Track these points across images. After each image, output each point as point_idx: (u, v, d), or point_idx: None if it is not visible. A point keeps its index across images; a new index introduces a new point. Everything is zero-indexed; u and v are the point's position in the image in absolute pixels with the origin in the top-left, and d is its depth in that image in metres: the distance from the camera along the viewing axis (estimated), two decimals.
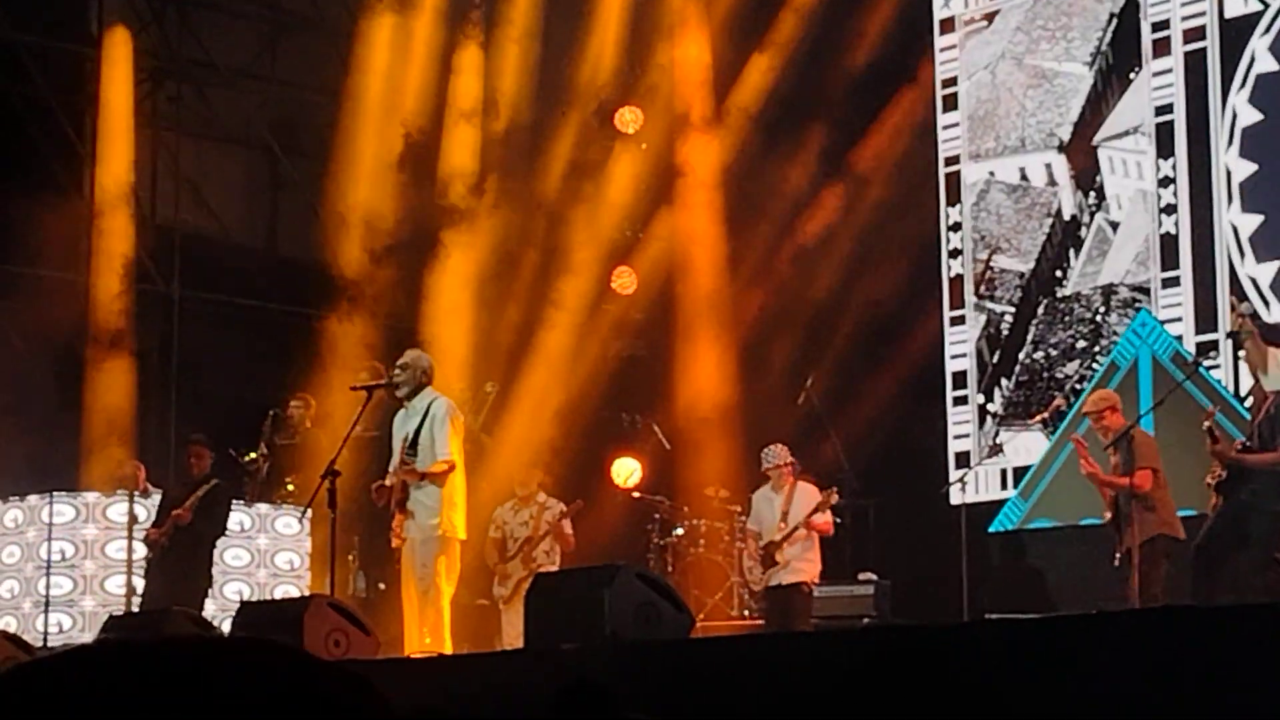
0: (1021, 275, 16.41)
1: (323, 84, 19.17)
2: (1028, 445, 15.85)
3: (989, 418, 16.30)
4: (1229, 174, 15.18)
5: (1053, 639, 7.93)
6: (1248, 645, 7.13)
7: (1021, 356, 16.28)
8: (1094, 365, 15.69)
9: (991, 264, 16.11)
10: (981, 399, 16.47)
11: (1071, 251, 16.06)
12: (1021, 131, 16.51)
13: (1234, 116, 15.16)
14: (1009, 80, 16.57)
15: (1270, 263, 14.82)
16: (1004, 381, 16.33)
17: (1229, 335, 12.52)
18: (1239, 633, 7.29)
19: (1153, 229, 15.64)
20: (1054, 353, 16.04)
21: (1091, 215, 15.95)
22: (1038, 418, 14.89)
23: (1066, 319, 16.02)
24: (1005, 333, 16.43)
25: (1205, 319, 15.13)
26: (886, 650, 8.54)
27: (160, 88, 18.19)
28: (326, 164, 19.27)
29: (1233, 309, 12.02)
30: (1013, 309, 16.41)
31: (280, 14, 19.12)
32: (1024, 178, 16.44)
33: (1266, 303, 14.81)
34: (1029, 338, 16.27)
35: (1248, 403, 14.31)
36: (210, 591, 14.43)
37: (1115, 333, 15.54)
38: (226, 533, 14.58)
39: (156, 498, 14.83)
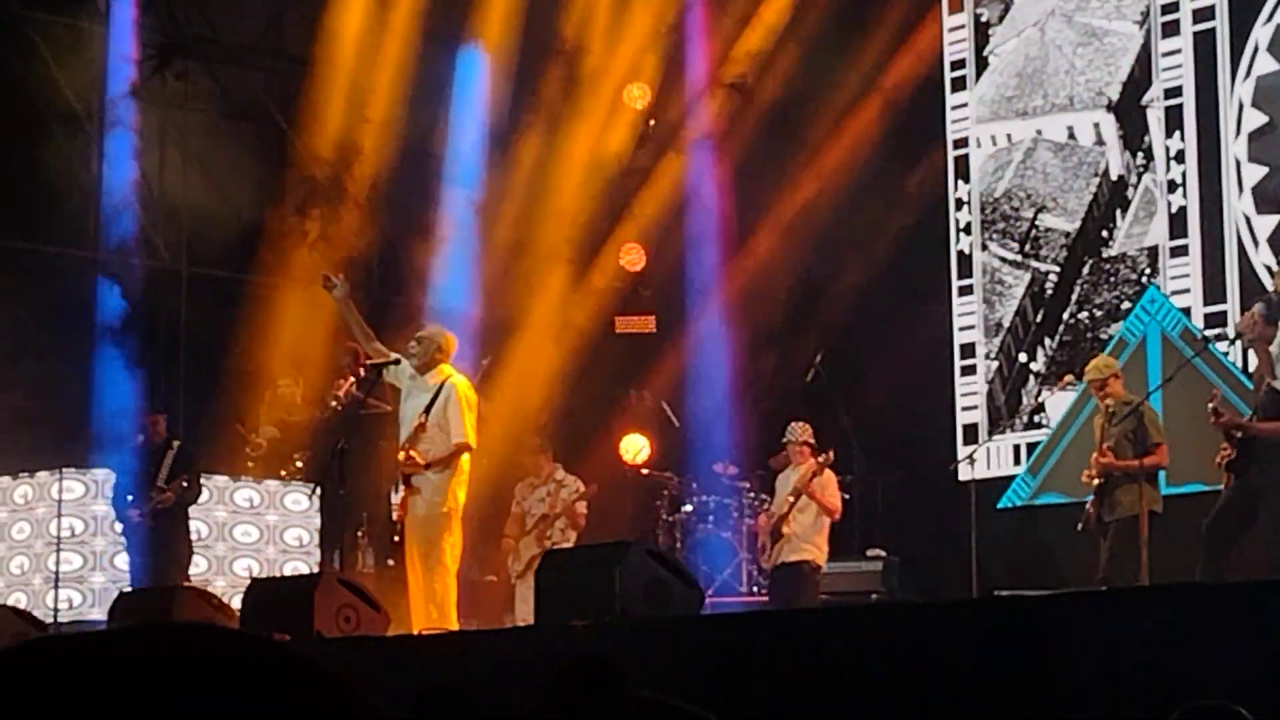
0: (1067, 234, 16.20)
1: (329, 59, 19.14)
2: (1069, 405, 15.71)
3: (1031, 377, 16.16)
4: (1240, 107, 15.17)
5: (1062, 615, 7.95)
6: (1255, 621, 7.15)
7: (1065, 316, 16.11)
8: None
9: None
10: (1024, 357, 16.32)
11: (1118, 212, 15.87)
12: (1070, 90, 16.33)
13: (1250, 61, 15.11)
14: (1058, 37, 16.39)
15: (1271, 215, 14.80)
16: (1047, 340, 16.19)
17: (1235, 337, 12.38)
18: (1247, 609, 7.31)
19: (1162, 205, 15.61)
20: (1098, 313, 15.86)
21: (1139, 176, 15.77)
22: (1046, 395, 14.88)
23: (1112, 279, 15.83)
24: (1049, 291, 16.25)
25: (1214, 290, 15.09)
26: (896, 627, 8.57)
27: (168, 65, 18.15)
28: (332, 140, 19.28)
29: (1244, 310, 11.93)
30: (1058, 268, 16.22)
31: None
32: (1071, 136, 16.29)
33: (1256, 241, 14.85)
34: (1074, 297, 16.09)
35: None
36: (204, 557, 14.35)
37: None
38: (200, 493, 14.52)
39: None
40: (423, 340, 12.27)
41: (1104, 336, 15.75)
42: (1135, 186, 15.79)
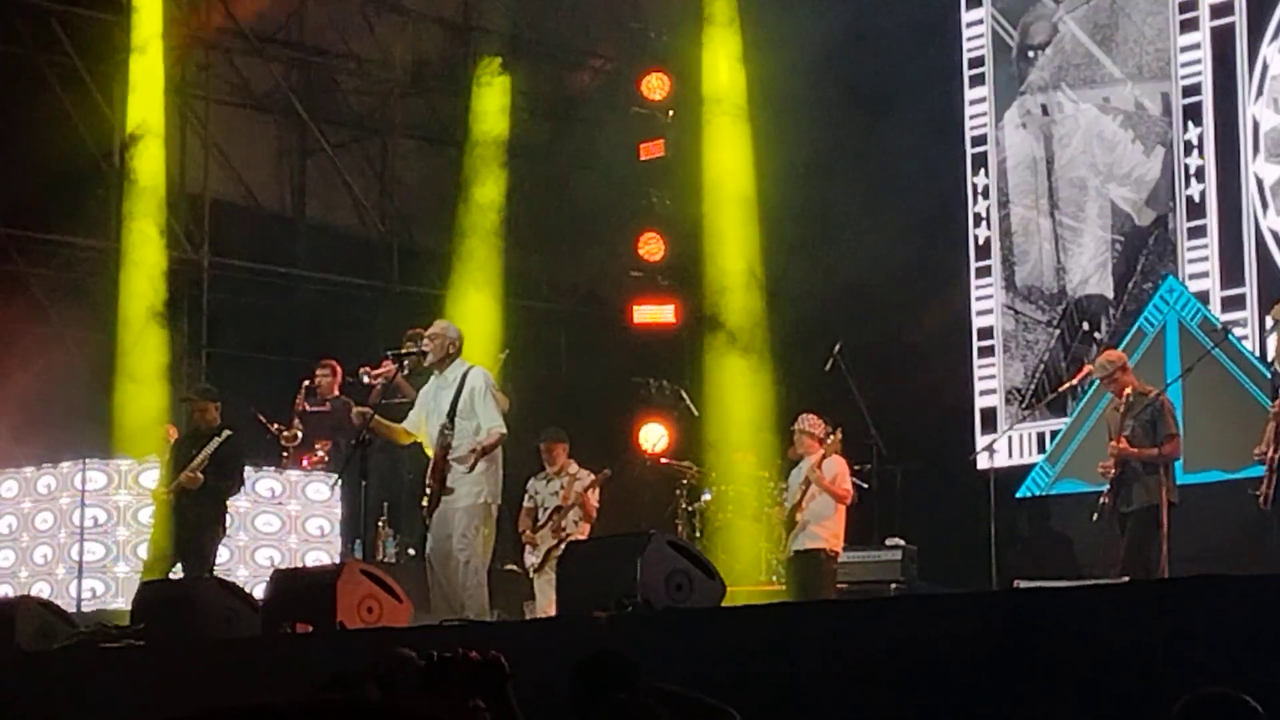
0: (1134, 204, 16.05)
1: (350, 50, 19.23)
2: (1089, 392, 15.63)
3: (1094, 345, 16.07)
4: (1255, 125, 15.13)
5: (1083, 607, 7.98)
6: (1276, 614, 7.17)
7: (1130, 286, 15.96)
8: None
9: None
10: (1086, 326, 16.25)
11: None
12: (1139, 59, 16.22)
13: (1264, 68, 15.09)
14: (1128, 5, 16.34)
15: None
16: (1110, 310, 16.16)
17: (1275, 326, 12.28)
18: (1268, 601, 7.33)
19: (1179, 192, 15.60)
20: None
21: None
22: (1065, 385, 14.88)
23: (1175, 252, 15.71)
24: (1113, 261, 16.12)
25: (1232, 273, 15.09)
26: (917, 619, 8.59)
27: (189, 55, 18.22)
28: (354, 130, 19.39)
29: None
30: (1122, 238, 16.08)
31: None
32: (1139, 106, 16.21)
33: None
34: (1138, 268, 15.93)
35: (1277, 366, 14.35)
36: (220, 538, 14.25)
37: None
38: (242, 487, 14.45)
39: None
40: (435, 338, 12.28)
41: None
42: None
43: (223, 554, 14.71)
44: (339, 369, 16.25)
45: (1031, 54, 16.82)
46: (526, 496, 14.86)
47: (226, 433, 14.12)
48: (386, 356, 15.19)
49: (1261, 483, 11.40)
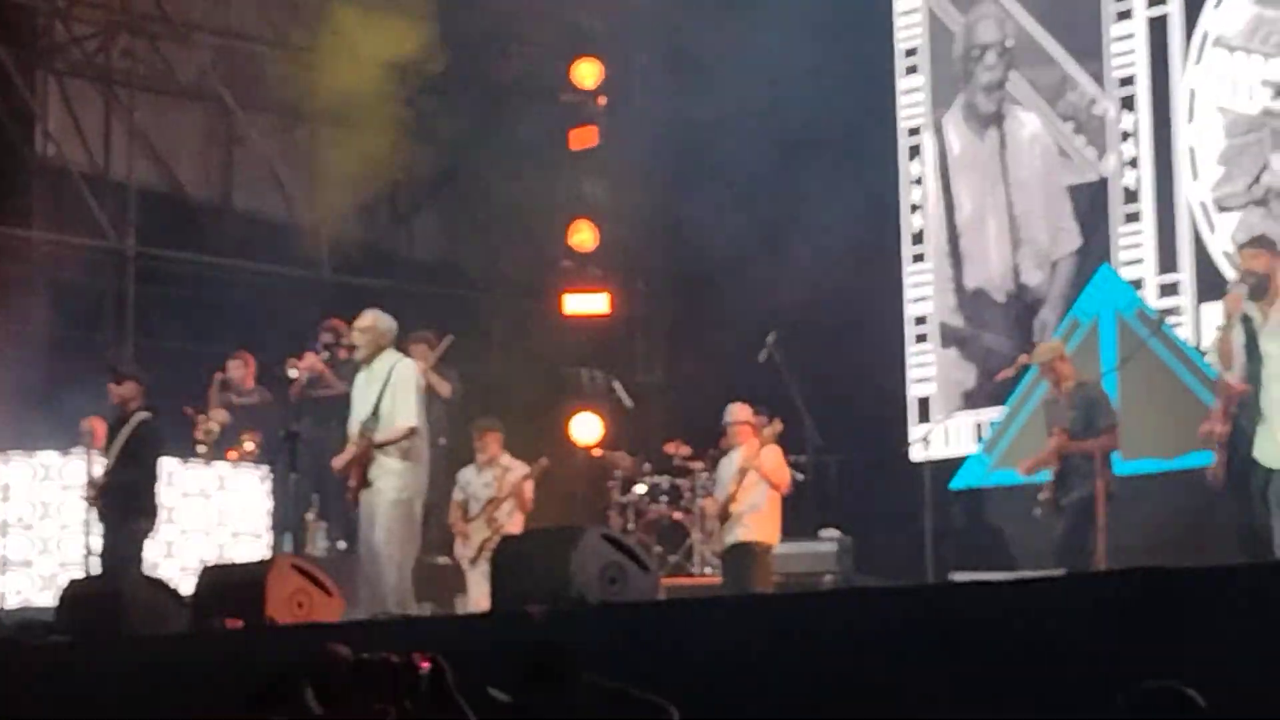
0: (1079, 199, 15.93)
1: (278, 37, 19.04)
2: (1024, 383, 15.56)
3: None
4: (1192, 95, 15.14)
5: (1020, 600, 7.92)
6: (1214, 606, 7.12)
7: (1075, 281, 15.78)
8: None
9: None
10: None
11: None
12: (1082, 47, 16.02)
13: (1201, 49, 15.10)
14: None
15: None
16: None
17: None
18: (1206, 593, 7.28)
19: (1115, 180, 15.60)
20: None
21: None
22: (1001, 375, 14.84)
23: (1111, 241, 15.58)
24: (1062, 257, 15.94)
25: (1167, 258, 15.10)
26: (853, 612, 8.53)
27: (114, 42, 17.99)
28: (282, 117, 19.18)
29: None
30: (1072, 232, 15.90)
31: None
32: (1085, 100, 16.04)
33: (1212, 226, 14.84)
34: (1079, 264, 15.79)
35: (1208, 358, 14.35)
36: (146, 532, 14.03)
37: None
38: (156, 474, 13.93)
39: None
40: (366, 331, 12.17)
41: None
42: None
43: (150, 549, 14.49)
44: (252, 360, 16.10)
45: (978, 52, 16.73)
46: (457, 488, 14.76)
47: (138, 416, 13.81)
48: (312, 349, 15.07)
49: (1212, 464, 11.37)
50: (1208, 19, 15.09)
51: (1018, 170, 16.41)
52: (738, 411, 14.27)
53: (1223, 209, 14.81)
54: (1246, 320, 11.21)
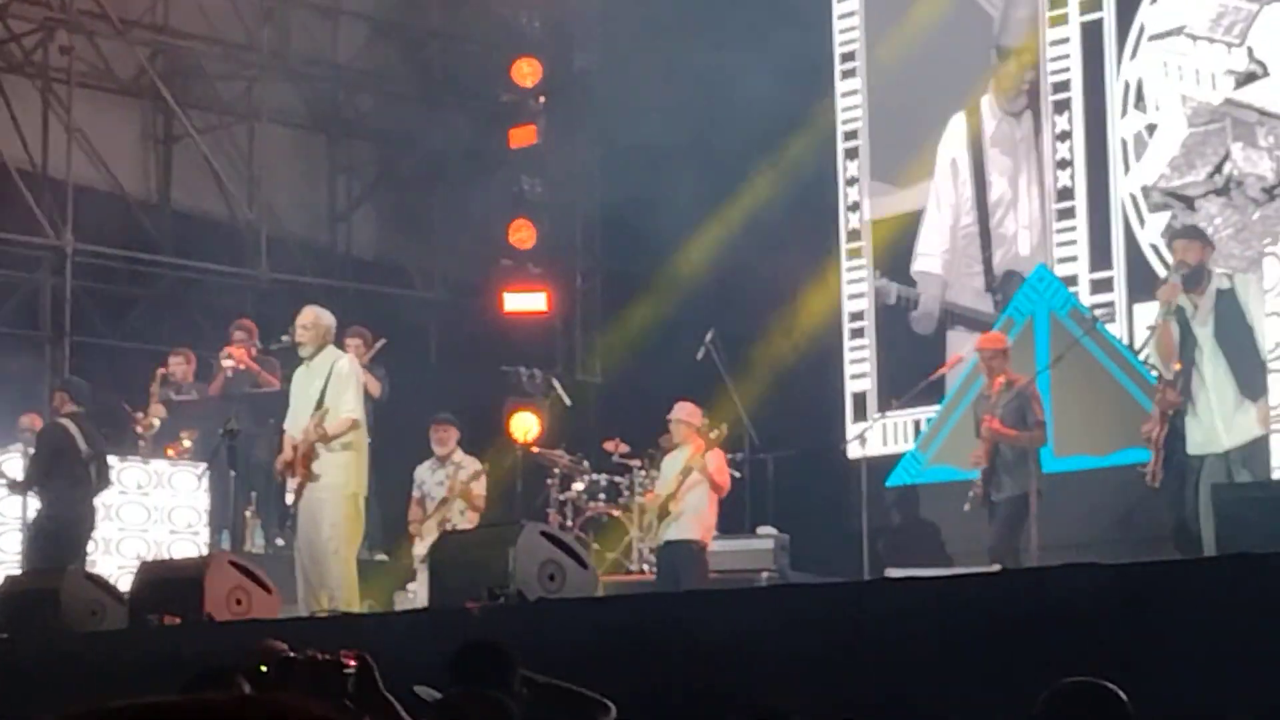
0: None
1: (216, 34, 19.01)
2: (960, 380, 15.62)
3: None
4: (1126, 88, 15.26)
5: (955, 596, 8.02)
6: (1143, 600, 7.22)
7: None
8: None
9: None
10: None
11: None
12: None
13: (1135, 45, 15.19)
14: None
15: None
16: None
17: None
18: (1134, 587, 7.39)
19: (1050, 184, 15.73)
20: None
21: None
22: (936, 373, 14.94)
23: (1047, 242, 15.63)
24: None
25: (1100, 254, 15.22)
26: (790, 608, 8.61)
27: (52, 38, 17.93)
28: (221, 116, 19.16)
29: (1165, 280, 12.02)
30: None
31: None
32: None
33: (1142, 221, 14.96)
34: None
35: (1142, 355, 14.50)
36: (96, 542, 14.15)
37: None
38: (42, 479, 14.00)
39: None
40: (309, 328, 12.16)
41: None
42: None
43: (88, 545, 14.45)
44: (193, 357, 16.10)
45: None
46: (414, 486, 14.73)
47: (40, 425, 14.16)
48: (254, 349, 15.12)
49: (1149, 463, 11.55)
50: (1145, 14, 15.22)
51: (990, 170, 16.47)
52: (685, 411, 14.25)
53: (1180, 198, 14.93)
54: (1179, 310, 11.43)
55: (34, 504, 14.18)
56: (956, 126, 16.74)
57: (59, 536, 13.66)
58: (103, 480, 13.97)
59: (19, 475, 14.26)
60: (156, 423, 15.70)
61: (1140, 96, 15.30)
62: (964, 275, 16.70)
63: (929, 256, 16.88)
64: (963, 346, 15.85)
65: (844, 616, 8.09)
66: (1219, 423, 11.33)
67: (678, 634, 8.38)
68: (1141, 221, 15.10)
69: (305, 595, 11.90)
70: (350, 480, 11.93)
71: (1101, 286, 15.17)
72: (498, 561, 9.63)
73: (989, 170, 16.58)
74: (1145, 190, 15.15)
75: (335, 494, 11.88)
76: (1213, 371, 11.36)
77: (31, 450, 14.08)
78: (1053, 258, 15.58)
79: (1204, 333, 11.39)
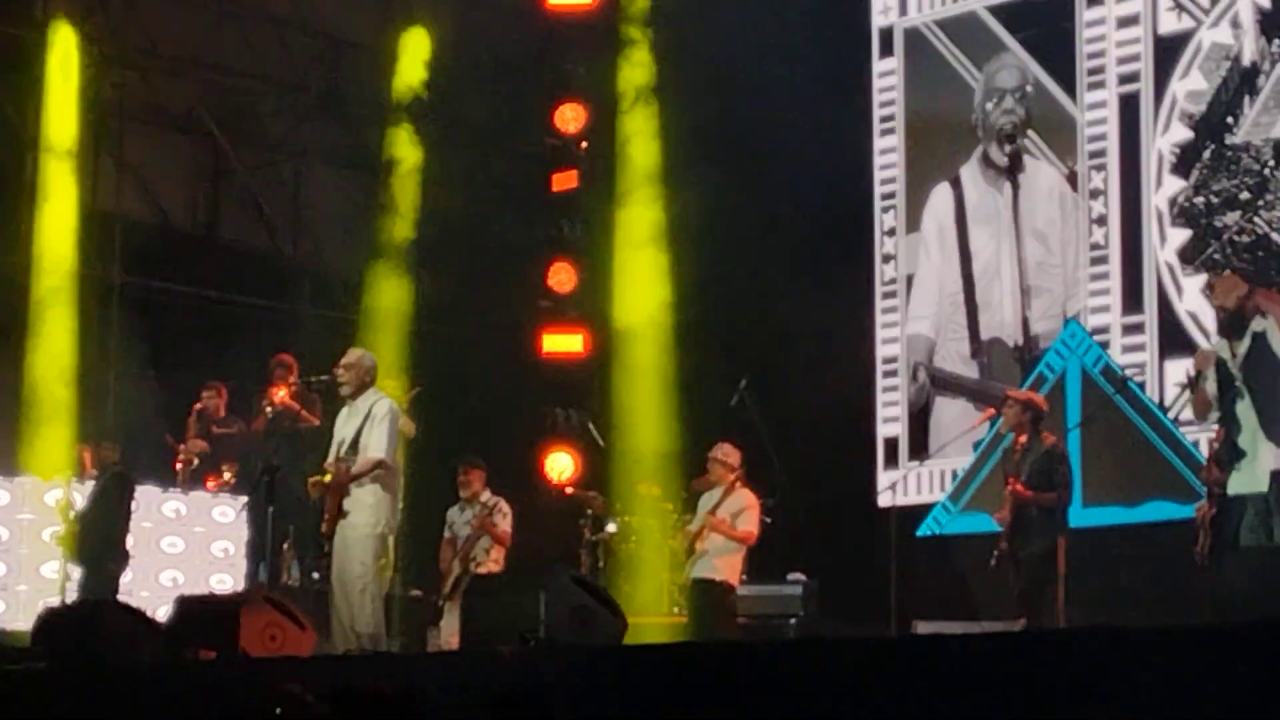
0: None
1: (267, 72, 19.24)
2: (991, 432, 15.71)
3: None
4: (1160, 156, 15.41)
5: (981, 654, 8.09)
6: (1169, 665, 7.29)
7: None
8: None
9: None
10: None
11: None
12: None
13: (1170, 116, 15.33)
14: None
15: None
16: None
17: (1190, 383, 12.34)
18: (1161, 653, 7.45)
19: (1084, 244, 15.84)
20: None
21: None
22: (970, 428, 15.05)
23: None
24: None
25: (1132, 297, 15.33)
26: (817, 661, 8.69)
27: (104, 74, 18.16)
28: (269, 153, 19.38)
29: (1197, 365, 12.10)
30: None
31: (225, 2, 19.14)
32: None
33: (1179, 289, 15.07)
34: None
35: (1171, 414, 14.60)
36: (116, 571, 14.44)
37: None
38: (129, 520, 14.59)
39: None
40: (351, 368, 12.32)
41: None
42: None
43: (126, 574, 14.69)
44: (224, 391, 16.29)
45: (997, 97, 16.91)
46: (446, 527, 14.84)
47: (115, 469, 14.57)
48: (294, 384, 15.30)
49: (1198, 542, 11.61)
50: (1176, 85, 15.36)
51: (1032, 220, 16.61)
52: (723, 451, 14.30)
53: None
54: (1220, 364, 11.43)
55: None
56: (941, 195, 16.94)
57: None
58: None
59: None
60: (196, 460, 15.89)
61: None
62: (950, 340, 16.86)
63: (920, 320, 17.05)
64: (949, 411, 16.04)
65: (871, 670, 8.17)
66: (1259, 464, 11.33)
67: (703, 683, 8.47)
68: (1179, 289, 15.17)
69: (336, 631, 12.06)
70: (379, 519, 12.07)
71: (1132, 333, 15.17)
72: (529, 605, 9.74)
73: (972, 239, 16.76)
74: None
75: (363, 532, 12.03)
76: (1247, 412, 11.34)
77: (104, 488, 14.40)
78: (1086, 314, 15.69)
79: (1241, 375, 11.37)
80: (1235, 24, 15.43)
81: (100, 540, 14.25)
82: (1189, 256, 15.29)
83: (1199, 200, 15.53)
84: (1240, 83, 15.40)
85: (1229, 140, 15.41)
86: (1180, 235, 15.36)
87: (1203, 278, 15.00)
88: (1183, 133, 15.51)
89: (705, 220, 17.29)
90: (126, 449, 15.10)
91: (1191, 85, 15.48)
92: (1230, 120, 15.43)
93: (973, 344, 16.68)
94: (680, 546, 14.71)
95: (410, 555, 15.97)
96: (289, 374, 15.93)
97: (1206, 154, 15.50)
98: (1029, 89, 16.53)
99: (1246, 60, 15.38)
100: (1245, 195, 15.24)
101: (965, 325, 16.77)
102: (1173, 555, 12.36)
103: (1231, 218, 15.30)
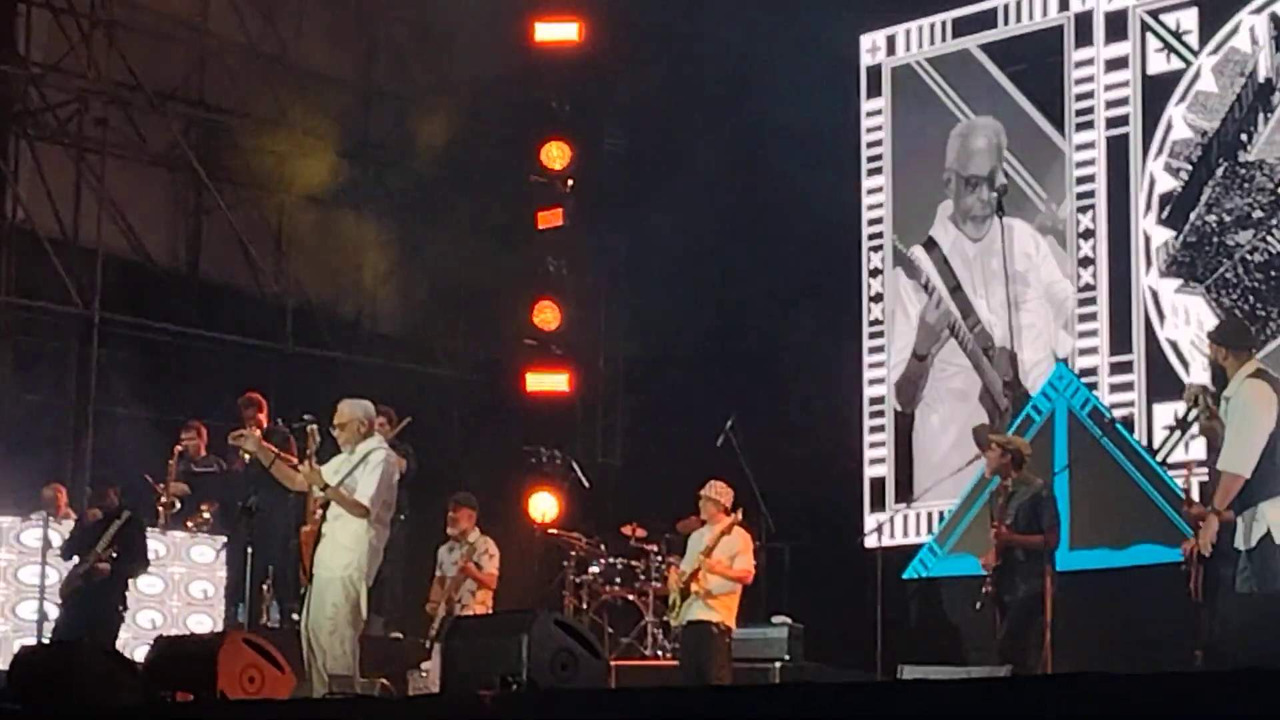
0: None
1: (249, 108, 19.18)
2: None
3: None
4: (1152, 182, 15.38)
5: (967, 700, 8.00)
6: (1157, 711, 7.20)
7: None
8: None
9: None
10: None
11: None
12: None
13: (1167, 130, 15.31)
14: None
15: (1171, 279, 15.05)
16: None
17: (1179, 424, 12.20)
18: (1148, 699, 7.36)
19: (1072, 285, 15.82)
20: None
21: None
22: (958, 470, 14.98)
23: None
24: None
25: (1120, 338, 15.28)
26: (805, 705, 8.59)
27: (87, 109, 18.10)
28: (251, 189, 19.31)
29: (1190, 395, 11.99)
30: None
31: (208, 37, 19.09)
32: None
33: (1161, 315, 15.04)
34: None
35: (1159, 456, 14.53)
36: (123, 619, 14.44)
37: None
38: (148, 567, 14.65)
39: (69, 524, 14.85)
40: (346, 426, 12.13)
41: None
42: None
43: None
44: (204, 430, 16.17)
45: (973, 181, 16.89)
46: (437, 565, 14.70)
47: (128, 514, 14.42)
48: (263, 423, 15.20)
49: (1190, 579, 11.46)
50: (1173, 110, 15.34)
51: (1019, 261, 16.50)
52: (715, 489, 14.11)
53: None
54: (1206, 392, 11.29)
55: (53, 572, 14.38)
56: (927, 236, 16.94)
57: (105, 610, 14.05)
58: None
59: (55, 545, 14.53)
60: (178, 504, 15.76)
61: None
62: (939, 378, 16.82)
63: (901, 366, 17.04)
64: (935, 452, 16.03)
65: (859, 716, 8.07)
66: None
67: None
68: (1160, 315, 15.15)
69: (310, 673, 11.94)
70: (352, 563, 11.93)
71: (1120, 372, 15.15)
72: (511, 648, 9.64)
73: (960, 280, 16.75)
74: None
75: (335, 574, 11.90)
76: None
77: (118, 534, 14.35)
78: (1074, 355, 15.65)
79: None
80: (1254, 39, 15.35)
81: (115, 587, 14.32)
82: (1200, 276, 15.23)
83: (1210, 218, 15.46)
84: (1254, 99, 15.33)
85: (1242, 158, 15.35)
86: (1169, 274, 15.33)
87: (1186, 301, 14.97)
88: (1178, 163, 15.49)
89: (689, 258, 17.23)
90: (98, 488, 14.99)
91: (1190, 114, 15.46)
92: (1244, 138, 15.36)
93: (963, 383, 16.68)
94: (671, 588, 14.52)
95: (395, 595, 15.85)
96: (258, 412, 15.79)
97: (1219, 171, 15.44)
98: (1001, 141, 16.56)
99: (1262, 76, 15.30)
100: (1259, 214, 15.19)
101: (954, 364, 16.73)
102: (1160, 599, 12.28)
103: (1244, 236, 15.22)
